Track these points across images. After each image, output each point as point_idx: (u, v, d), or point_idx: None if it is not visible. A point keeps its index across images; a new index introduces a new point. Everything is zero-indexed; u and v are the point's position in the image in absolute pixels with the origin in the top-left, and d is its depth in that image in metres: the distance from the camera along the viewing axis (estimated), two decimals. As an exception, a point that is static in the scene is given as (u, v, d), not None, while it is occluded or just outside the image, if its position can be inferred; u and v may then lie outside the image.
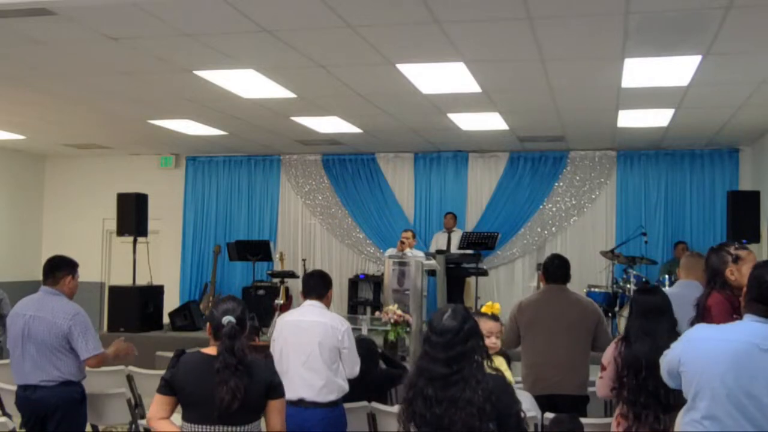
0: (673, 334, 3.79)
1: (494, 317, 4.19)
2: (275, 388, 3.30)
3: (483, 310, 4.23)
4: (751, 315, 2.76)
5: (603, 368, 4.02)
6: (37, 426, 4.58)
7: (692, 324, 3.49)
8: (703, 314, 3.82)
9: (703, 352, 2.76)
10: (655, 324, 3.77)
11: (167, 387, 3.28)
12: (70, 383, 4.60)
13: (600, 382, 4.04)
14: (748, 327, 2.74)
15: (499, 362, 4.08)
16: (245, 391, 3.16)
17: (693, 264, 4.77)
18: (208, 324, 3.40)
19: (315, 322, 4.48)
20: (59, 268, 4.74)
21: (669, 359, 2.93)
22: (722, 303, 3.79)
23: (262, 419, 3.37)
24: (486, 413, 2.65)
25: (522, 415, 2.82)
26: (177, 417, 3.36)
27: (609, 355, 3.96)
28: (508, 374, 4.07)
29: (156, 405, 3.31)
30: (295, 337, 4.47)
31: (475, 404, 2.65)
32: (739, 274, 3.79)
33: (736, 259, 3.88)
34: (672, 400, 3.64)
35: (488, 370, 2.86)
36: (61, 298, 4.67)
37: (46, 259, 4.85)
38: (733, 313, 3.59)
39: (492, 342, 4.05)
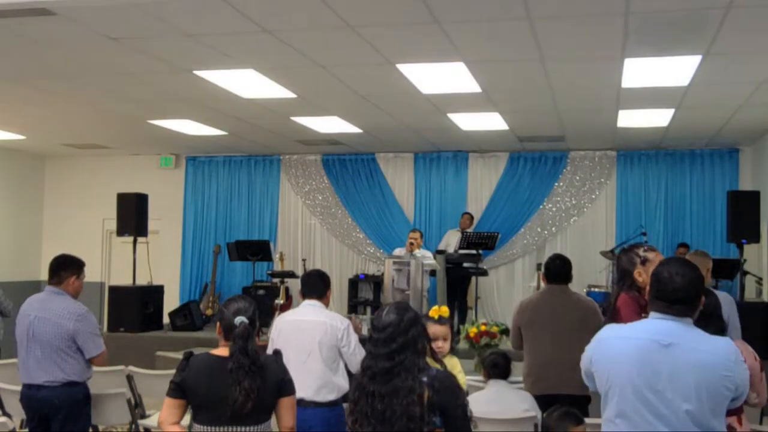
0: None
1: (441, 320, 4.15)
2: (286, 385, 3.29)
3: (430, 313, 4.20)
4: (653, 312, 2.81)
5: None
6: (41, 424, 4.59)
7: (605, 325, 3.54)
8: (613, 315, 3.88)
9: (611, 351, 2.83)
10: (702, 326, 3.78)
11: (178, 390, 3.22)
12: (74, 384, 4.61)
13: None
14: (650, 324, 2.79)
15: (452, 364, 4.07)
16: (258, 392, 3.15)
17: (698, 263, 4.78)
18: (218, 324, 3.36)
19: (315, 322, 4.48)
20: (64, 268, 4.73)
21: (584, 361, 2.98)
22: (630, 303, 3.87)
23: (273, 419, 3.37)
24: (428, 400, 2.67)
25: (469, 409, 2.83)
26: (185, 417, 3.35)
27: None
28: (461, 376, 4.05)
29: (167, 409, 3.25)
30: (295, 336, 4.47)
31: (416, 391, 2.68)
32: (647, 275, 3.85)
33: (644, 261, 3.96)
34: None
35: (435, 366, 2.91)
36: (65, 298, 4.67)
37: (52, 258, 4.84)
38: (641, 313, 3.65)
39: (438, 346, 4.03)
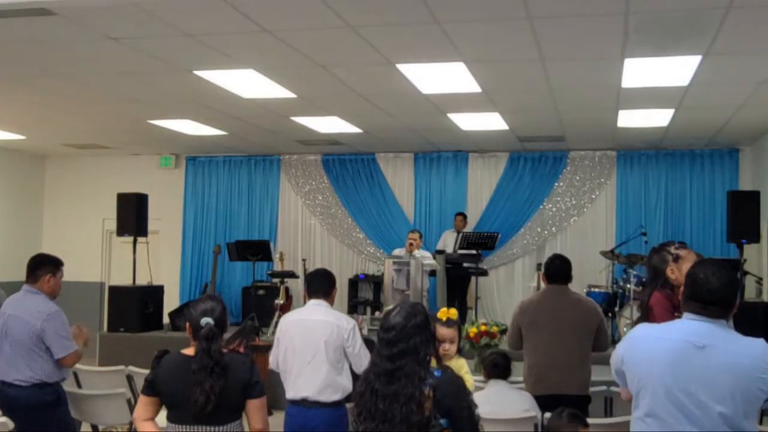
0: None
1: (448, 323, 4.15)
2: (253, 387, 3.28)
3: (438, 315, 4.19)
4: (688, 313, 2.79)
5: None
6: (15, 421, 4.56)
7: (636, 323, 3.53)
8: (646, 314, 3.87)
9: (643, 350, 2.81)
10: None
11: (150, 388, 3.30)
12: (43, 385, 4.56)
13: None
14: (684, 325, 2.78)
15: (459, 365, 4.07)
16: (222, 392, 3.17)
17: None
18: (187, 324, 3.39)
19: (321, 321, 4.48)
20: (40, 267, 4.72)
21: (614, 359, 2.97)
22: (663, 302, 3.85)
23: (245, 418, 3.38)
24: (433, 405, 2.68)
25: (475, 409, 2.83)
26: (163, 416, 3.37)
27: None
28: (468, 377, 4.06)
29: (140, 406, 3.34)
30: (301, 336, 4.47)
31: (416, 400, 2.68)
32: (680, 273, 3.85)
33: (677, 258, 3.95)
34: None
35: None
36: (39, 297, 4.65)
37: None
38: (674, 312, 3.63)
39: (445, 348, 4.02)
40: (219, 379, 3.16)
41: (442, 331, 4.06)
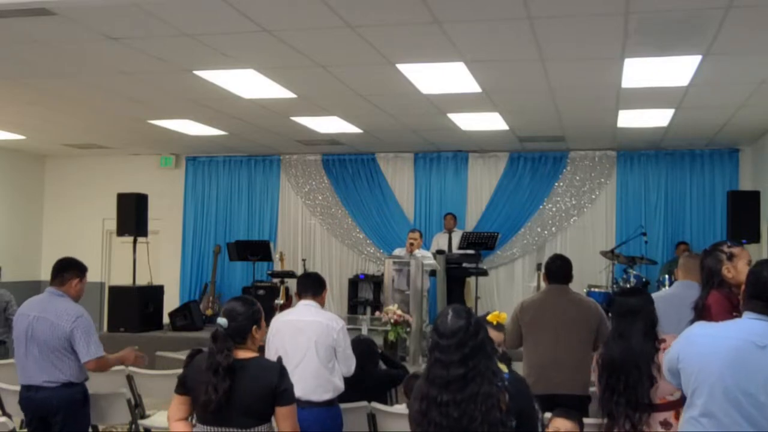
0: (650, 335, 3.84)
1: (498, 327, 4.17)
2: (281, 395, 3.23)
3: (489, 318, 4.21)
4: (749, 312, 2.75)
5: (594, 371, 4.08)
6: (40, 426, 4.59)
7: (690, 324, 3.50)
8: (702, 314, 3.85)
9: (701, 349, 2.76)
10: (630, 325, 3.85)
11: (181, 386, 3.31)
12: (72, 384, 4.61)
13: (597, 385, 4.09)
14: (745, 324, 2.74)
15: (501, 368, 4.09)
16: (241, 396, 3.15)
17: (692, 265, 4.76)
18: None
19: (311, 322, 4.49)
20: (67, 270, 4.75)
21: (669, 357, 2.93)
22: (721, 301, 3.82)
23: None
24: (506, 405, 2.65)
25: (539, 413, 2.82)
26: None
27: (594, 358, 4.03)
28: None
29: (173, 405, 3.34)
30: (292, 336, 4.48)
31: (495, 396, 2.64)
32: (736, 271, 3.84)
33: (731, 257, 3.93)
34: (645, 400, 3.70)
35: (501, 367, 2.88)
36: (65, 300, 4.67)
37: (55, 260, 4.86)
38: (732, 311, 3.61)
39: None
40: (223, 380, 3.14)
41: (493, 334, 4.08)
